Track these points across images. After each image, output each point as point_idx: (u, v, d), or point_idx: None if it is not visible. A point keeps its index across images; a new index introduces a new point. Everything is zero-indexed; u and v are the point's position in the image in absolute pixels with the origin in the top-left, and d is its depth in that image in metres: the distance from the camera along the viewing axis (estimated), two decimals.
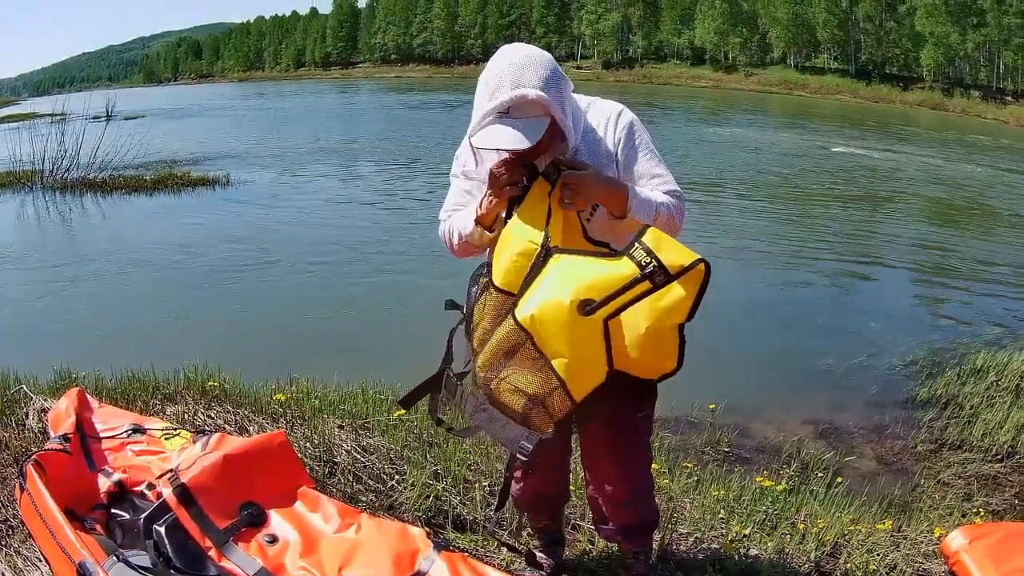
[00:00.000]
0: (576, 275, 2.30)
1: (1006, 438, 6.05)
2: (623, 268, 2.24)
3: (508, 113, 2.38)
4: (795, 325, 9.47)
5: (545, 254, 2.39)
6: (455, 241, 2.76)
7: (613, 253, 2.33)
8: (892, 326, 9.17)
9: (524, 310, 2.36)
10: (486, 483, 4.10)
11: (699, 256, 2.22)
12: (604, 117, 2.65)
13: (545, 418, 2.45)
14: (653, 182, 2.61)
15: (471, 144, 2.52)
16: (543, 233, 2.42)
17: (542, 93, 2.36)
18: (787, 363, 8.07)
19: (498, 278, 2.50)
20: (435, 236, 2.88)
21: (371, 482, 4.11)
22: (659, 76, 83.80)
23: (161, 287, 10.67)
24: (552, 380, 2.38)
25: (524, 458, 2.51)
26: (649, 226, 2.30)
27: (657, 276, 2.21)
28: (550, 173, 2.46)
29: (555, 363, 2.35)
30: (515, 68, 2.38)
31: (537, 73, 2.38)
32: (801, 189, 19.78)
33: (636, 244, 2.24)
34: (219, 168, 20.36)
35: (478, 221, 2.62)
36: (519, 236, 2.47)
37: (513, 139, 2.37)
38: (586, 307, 2.26)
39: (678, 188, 2.64)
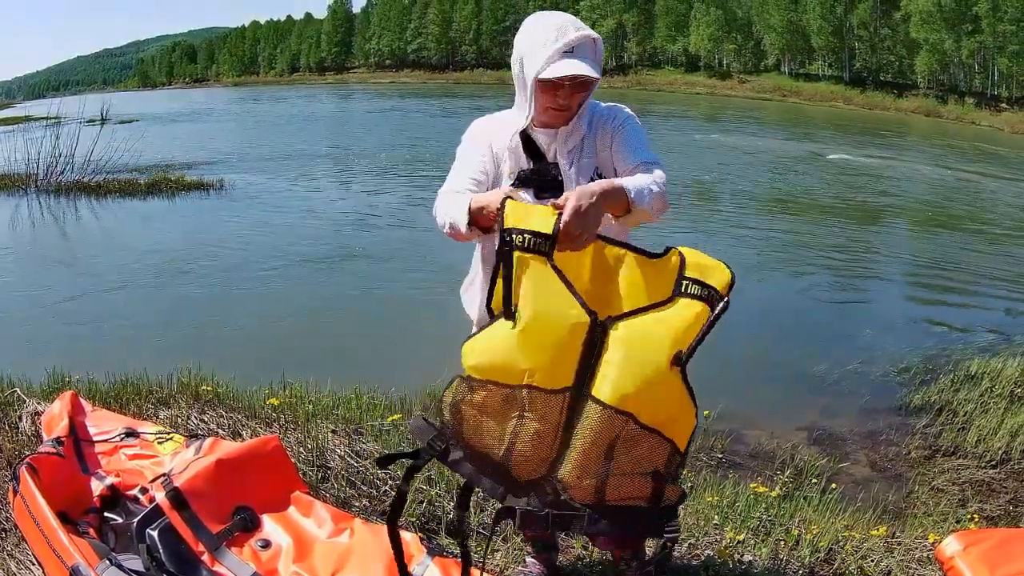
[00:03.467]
0: (654, 335, 2.23)
1: (1000, 444, 6.05)
2: (693, 308, 2.24)
3: (573, 52, 2.50)
4: (789, 331, 9.46)
5: (601, 329, 2.24)
6: (446, 229, 2.64)
7: (666, 302, 2.25)
8: (886, 332, 9.17)
9: (615, 392, 2.22)
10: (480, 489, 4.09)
11: (723, 263, 2.31)
12: (609, 113, 2.77)
13: (672, 486, 2.36)
14: (635, 155, 2.68)
15: (538, 81, 2.56)
16: (579, 307, 2.22)
17: (600, 38, 2.59)
18: (781, 369, 8.07)
19: (545, 380, 2.25)
20: (429, 241, 2.86)
21: (364, 487, 4.10)
22: (653, 82, 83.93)
23: (155, 291, 10.65)
24: (665, 446, 2.31)
25: (674, 534, 2.40)
26: (683, 257, 2.28)
27: (717, 302, 2.25)
28: (540, 247, 2.23)
29: (664, 430, 2.29)
30: (571, 19, 2.58)
31: (593, 31, 2.58)
32: (795, 196, 19.79)
33: (684, 281, 2.25)
34: (213, 172, 20.31)
35: (475, 222, 2.50)
36: (551, 326, 2.24)
37: (588, 68, 2.50)
38: (677, 361, 2.24)
39: (657, 157, 2.68)
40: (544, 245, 2.22)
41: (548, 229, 2.21)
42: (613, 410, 2.22)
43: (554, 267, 2.22)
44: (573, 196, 2.22)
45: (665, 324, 2.23)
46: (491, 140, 2.77)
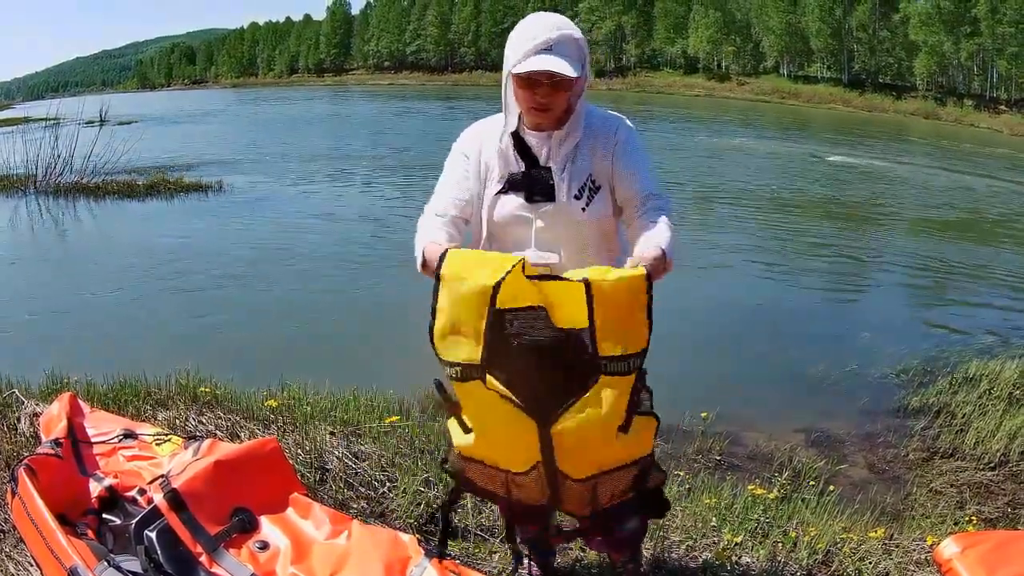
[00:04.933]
0: (594, 428, 2.32)
1: (999, 446, 6.05)
2: (617, 387, 2.28)
3: (551, 50, 2.50)
4: (787, 333, 9.47)
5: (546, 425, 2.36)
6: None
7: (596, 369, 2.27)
8: (884, 334, 9.17)
9: (578, 472, 2.42)
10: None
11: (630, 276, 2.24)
12: (608, 122, 2.75)
13: (653, 475, 2.59)
14: (650, 201, 2.66)
15: (515, 77, 2.58)
16: (523, 416, 2.35)
17: (582, 36, 2.58)
18: (779, 371, 8.06)
19: (514, 466, 2.50)
20: None
21: (362, 489, 4.10)
22: (652, 84, 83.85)
23: (153, 292, 10.64)
24: (634, 467, 2.49)
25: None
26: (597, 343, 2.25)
27: (638, 361, 2.28)
28: (472, 375, 2.35)
29: (630, 460, 2.46)
30: (557, 19, 2.58)
31: (575, 27, 2.59)
32: (793, 198, 19.79)
33: (603, 361, 2.25)
34: (212, 174, 20.27)
35: (427, 267, 2.51)
36: (503, 440, 2.47)
37: (562, 65, 2.48)
38: (622, 429, 2.33)
39: (663, 190, 2.72)
40: (476, 372, 2.32)
41: (476, 357, 2.30)
42: (581, 482, 2.43)
43: (489, 388, 2.33)
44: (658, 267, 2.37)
45: (599, 415, 2.30)
46: (481, 146, 2.77)
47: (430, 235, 2.62)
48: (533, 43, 2.49)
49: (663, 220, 2.55)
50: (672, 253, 2.44)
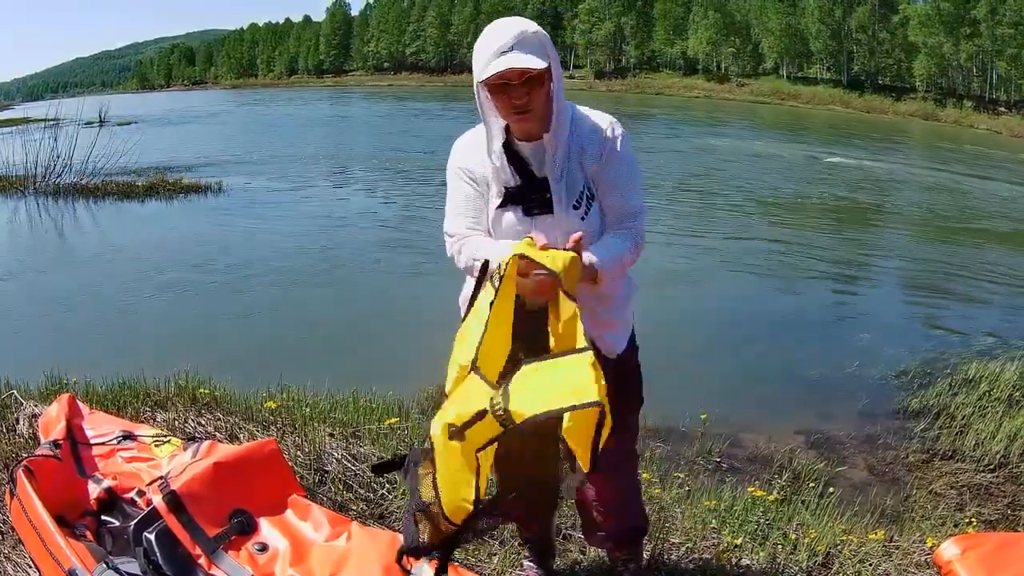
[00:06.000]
0: (456, 400, 2.29)
1: (998, 448, 6.05)
2: (480, 402, 2.20)
3: (512, 50, 2.49)
4: (786, 335, 9.46)
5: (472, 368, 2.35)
6: (475, 271, 2.64)
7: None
8: (883, 336, 9.17)
9: (432, 427, 2.31)
10: None
11: (557, 407, 2.13)
12: (599, 124, 2.70)
13: (431, 529, 2.38)
14: (627, 222, 2.69)
15: (481, 85, 2.58)
16: (474, 349, 2.36)
17: (541, 30, 2.56)
18: (778, 373, 8.06)
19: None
20: (425, 243, 2.86)
21: (361, 491, 4.09)
22: (652, 86, 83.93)
23: (152, 293, 10.63)
24: (430, 493, 2.33)
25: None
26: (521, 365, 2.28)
27: (507, 421, 2.15)
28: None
29: (437, 478, 2.30)
30: (513, 21, 2.59)
31: (534, 24, 2.58)
32: (792, 199, 19.79)
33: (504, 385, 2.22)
34: (211, 175, 20.27)
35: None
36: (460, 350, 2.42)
37: (526, 60, 2.47)
38: (451, 432, 2.21)
39: (642, 205, 2.73)
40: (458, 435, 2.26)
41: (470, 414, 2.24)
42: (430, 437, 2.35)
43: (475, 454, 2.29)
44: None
45: (463, 397, 2.28)
46: (472, 164, 2.74)
47: (491, 243, 2.68)
48: (493, 49, 2.49)
49: (624, 240, 2.64)
50: (611, 265, 2.55)
